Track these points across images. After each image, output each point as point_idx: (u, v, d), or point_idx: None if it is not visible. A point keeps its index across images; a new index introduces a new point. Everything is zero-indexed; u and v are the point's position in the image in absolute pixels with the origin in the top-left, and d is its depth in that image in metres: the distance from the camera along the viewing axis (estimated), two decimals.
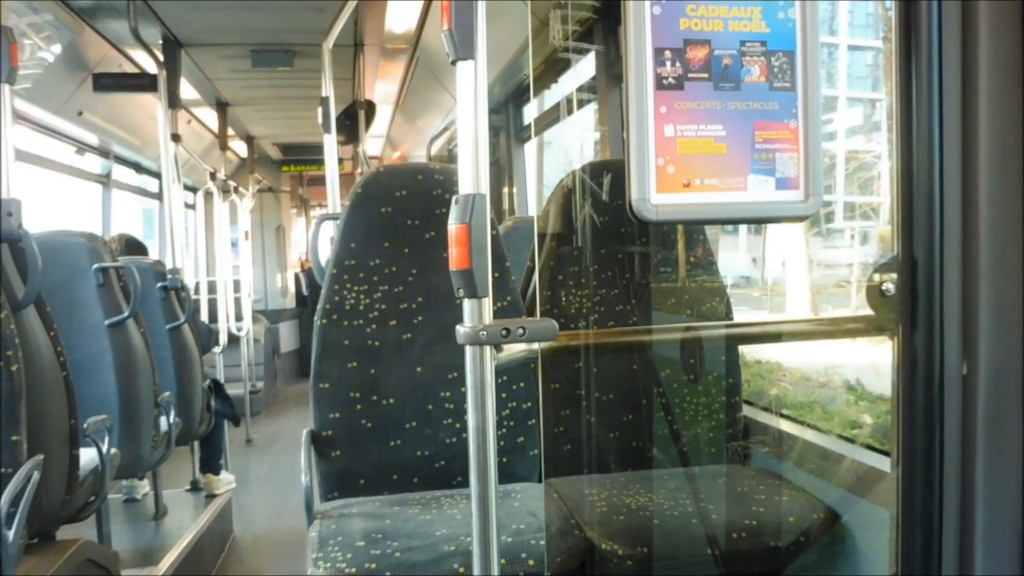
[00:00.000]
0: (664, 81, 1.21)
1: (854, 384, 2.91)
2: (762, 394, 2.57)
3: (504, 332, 1.22)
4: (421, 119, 7.12)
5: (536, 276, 2.38)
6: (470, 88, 1.20)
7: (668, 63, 1.21)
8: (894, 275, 1.35)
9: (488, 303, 1.23)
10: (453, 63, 1.20)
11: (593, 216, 2.34)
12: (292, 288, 10.22)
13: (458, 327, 1.23)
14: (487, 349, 1.22)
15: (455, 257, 1.20)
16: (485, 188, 1.21)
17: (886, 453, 1.87)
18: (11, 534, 1.81)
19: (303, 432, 2.11)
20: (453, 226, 1.20)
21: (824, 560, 1.92)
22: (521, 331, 1.23)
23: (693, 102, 1.22)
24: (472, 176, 1.21)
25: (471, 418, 1.23)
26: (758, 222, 1.99)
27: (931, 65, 1.29)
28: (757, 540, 1.85)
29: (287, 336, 9.65)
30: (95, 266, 2.99)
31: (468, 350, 1.22)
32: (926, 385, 1.32)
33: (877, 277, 1.36)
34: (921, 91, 1.30)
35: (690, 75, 1.22)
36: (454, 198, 1.22)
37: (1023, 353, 1.26)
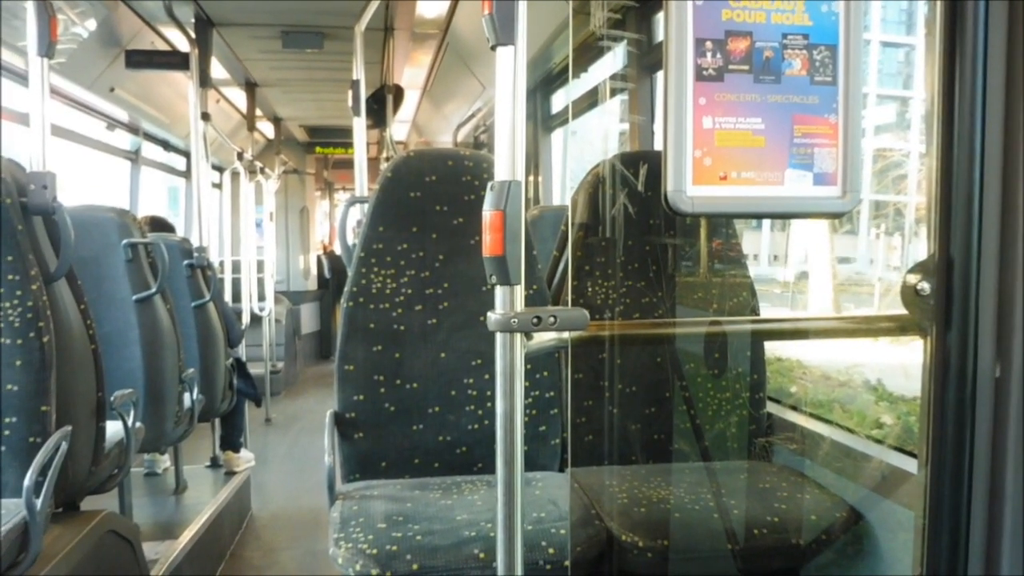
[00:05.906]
0: (704, 72, 1.20)
1: (875, 384, 2.88)
2: (785, 391, 2.55)
3: (535, 320, 1.22)
4: (448, 105, 7.11)
5: (564, 265, 2.38)
6: (509, 74, 1.20)
7: (709, 54, 1.20)
8: (930, 274, 1.33)
9: (520, 291, 1.23)
10: (493, 48, 1.20)
11: (625, 206, 2.33)
12: (314, 270, 10.28)
13: (489, 314, 1.23)
14: (518, 336, 1.22)
15: (489, 244, 1.20)
16: (521, 175, 1.21)
17: (911, 454, 1.85)
18: (39, 503, 1.83)
19: (327, 413, 2.12)
20: (488, 212, 1.20)
21: (845, 559, 1.91)
22: (552, 319, 1.23)
23: (733, 94, 1.21)
24: (508, 162, 1.21)
25: (499, 404, 1.23)
26: (794, 217, 1.98)
27: (975, 64, 1.27)
28: (778, 537, 1.84)
29: (308, 318, 9.70)
30: (124, 241, 3.01)
31: (499, 337, 1.22)
32: (958, 387, 1.30)
33: (912, 276, 1.34)
34: (964, 90, 1.28)
35: (730, 67, 1.21)
36: (489, 184, 1.22)
37: None
